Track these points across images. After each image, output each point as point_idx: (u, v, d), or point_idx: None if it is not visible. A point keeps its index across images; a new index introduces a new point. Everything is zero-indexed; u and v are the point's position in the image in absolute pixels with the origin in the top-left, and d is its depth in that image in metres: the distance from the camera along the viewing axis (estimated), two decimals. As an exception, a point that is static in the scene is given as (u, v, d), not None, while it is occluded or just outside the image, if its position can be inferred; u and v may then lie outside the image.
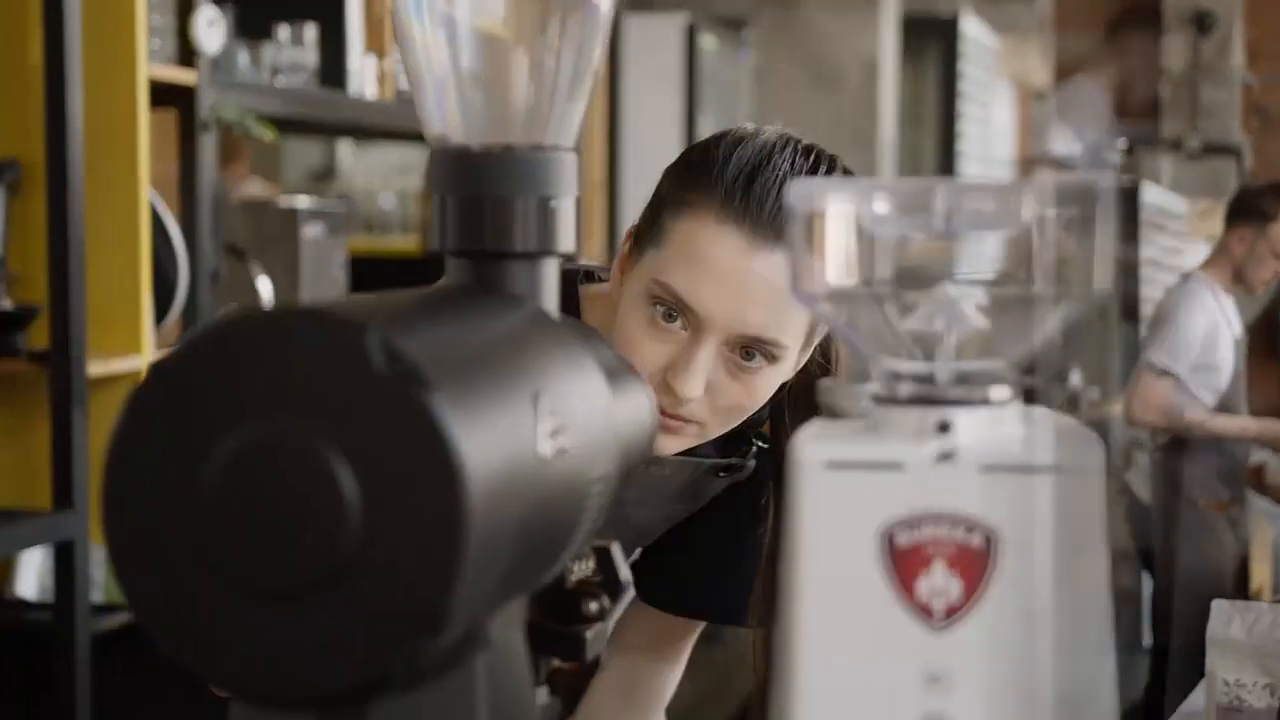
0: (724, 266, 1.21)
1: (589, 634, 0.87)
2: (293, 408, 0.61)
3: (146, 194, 2.52)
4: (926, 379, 0.73)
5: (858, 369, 1.12)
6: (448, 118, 0.84)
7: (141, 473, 0.63)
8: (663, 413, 1.25)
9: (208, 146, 2.69)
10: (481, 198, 0.82)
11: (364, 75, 3.24)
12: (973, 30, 7.54)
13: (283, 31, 3.06)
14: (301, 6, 3.05)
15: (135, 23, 2.49)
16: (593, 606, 0.88)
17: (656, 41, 5.44)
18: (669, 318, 1.24)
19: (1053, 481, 0.68)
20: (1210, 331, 4.31)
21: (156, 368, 0.63)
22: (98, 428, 2.41)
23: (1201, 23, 9.39)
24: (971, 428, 0.70)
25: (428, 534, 0.61)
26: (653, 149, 5.31)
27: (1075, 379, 6.37)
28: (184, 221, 2.69)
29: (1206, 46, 9.41)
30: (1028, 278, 0.72)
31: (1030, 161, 4.43)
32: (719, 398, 1.26)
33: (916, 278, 0.75)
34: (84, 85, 2.41)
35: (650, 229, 1.27)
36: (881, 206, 0.72)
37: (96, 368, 2.43)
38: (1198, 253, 8.71)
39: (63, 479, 2.34)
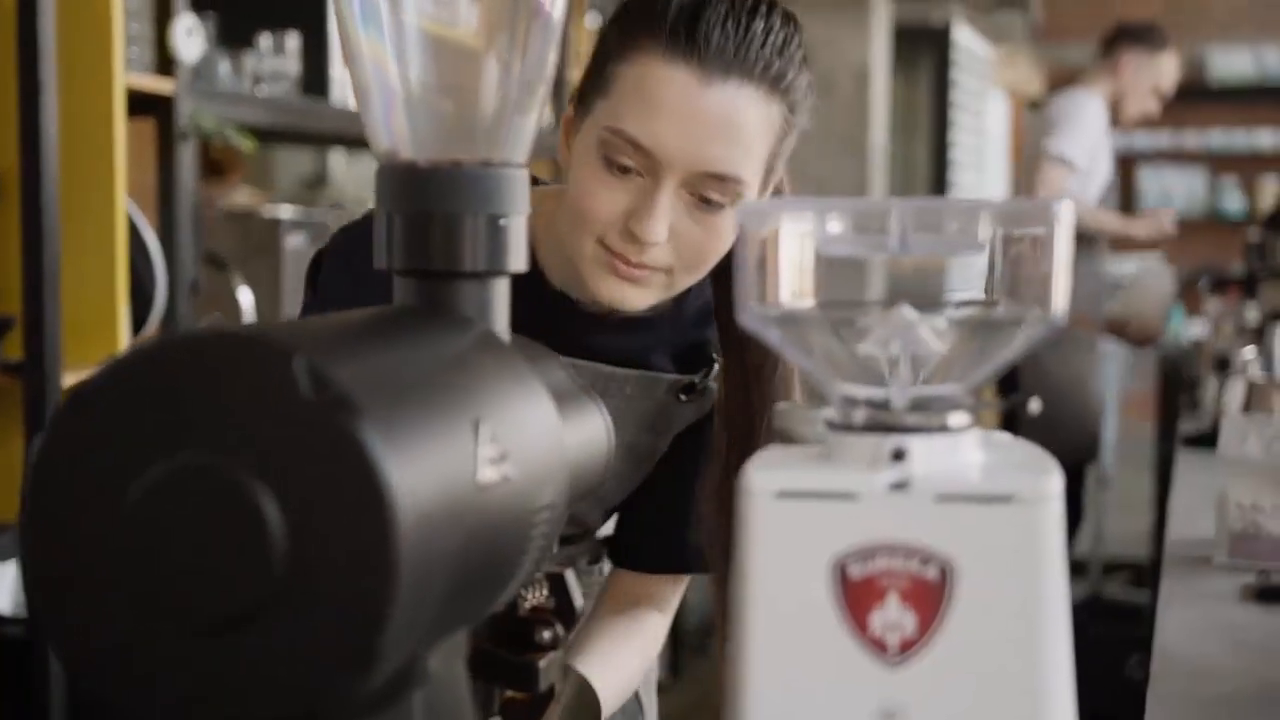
0: (677, 104, 1.20)
1: (542, 663, 0.85)
2: (217, 435, 0.59)
3: (123, 203, 2.49)
4: (882, 405, 0.70)
5: (815, 392, 1.11)
6: (395, 132, 0.82)
7: (62, 500, 0.61)
8: (627, 262, 1.24)
9: (186, 156, 2.66)
10: (429, 215, 0.79)
11: (346, 84, 3.22)
12: (965, 39, 7.53)
13: (264, 40, 3.03)
14: (284, 15, 3.03)
15: (112, 31, 2.46)
16: (546, 635, 0.86)
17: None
18: (624, 168, 1.22)
19: (1010, 511, 0.66)
20: (1097, 139, 4.40)
21: (78, 391, 0.61)
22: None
23: None
24: (927, 456, 0.68)
25: (357, 567, 0.58)
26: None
27: None
28: (162, 231, 2.66)
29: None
30: (987, 301, 0.70)
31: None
32: (683, 242, 1.24)
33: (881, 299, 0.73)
34: (60, 93, 2.38)
35: (595, 81, 1.25)
36: (835, 227, 0.70)
37: (72, 379, 2.40)
38: (998, 99, 8.77)
39: (36, 492, 2.31)
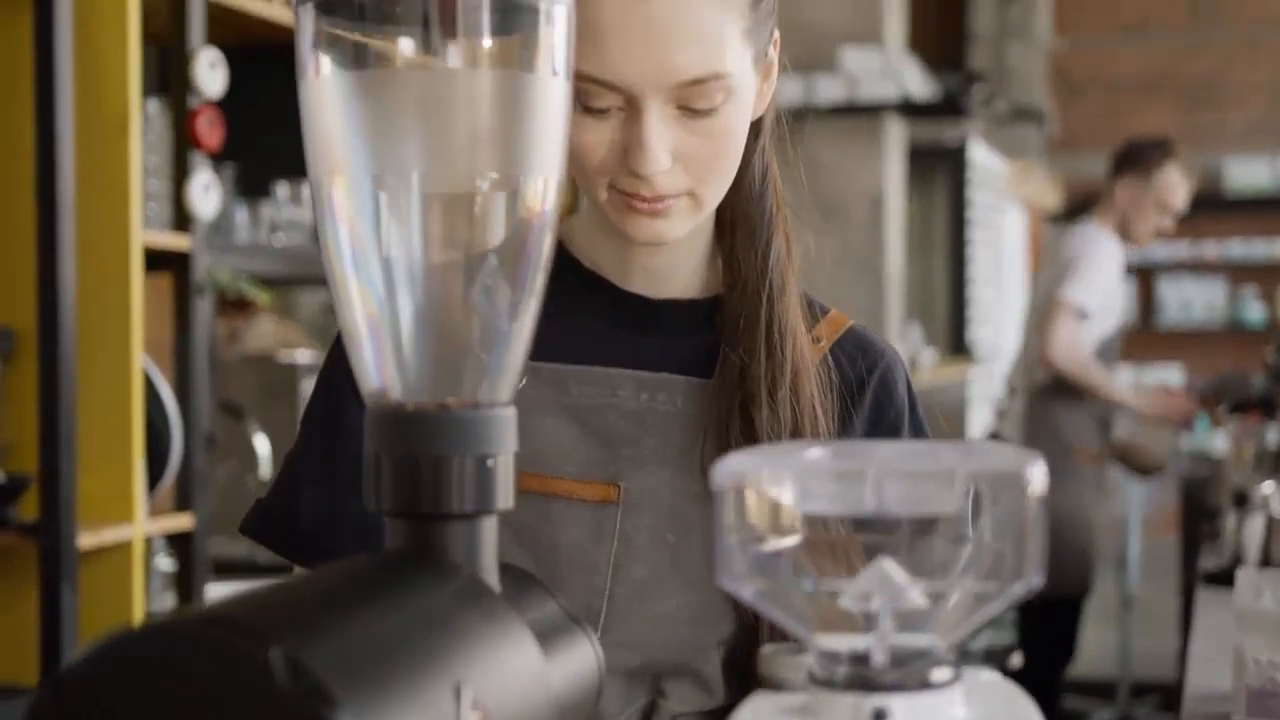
0: (620, 26, 1.10)
1: None
2: (195, 725, 0.59)
3: (139, 361, 2.51)
4: (863, 658, 0.70)
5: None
6: (384, 374, 0.83)
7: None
8: (644, 200, 1.15)
9: (202, 310, 2.69)
10: (417, 458, 0.80)
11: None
12: (980, 156, 7.58)
13: (281, 189, 3.08)
14: (300, 164, 3.06)
15: (130, 189, 2.50)
16: None
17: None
18: (601, 109, 1.13)
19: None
20: (1112, 281, 4.41)
21: (58, 678, 0.61)
22: (87, 601, 2.39)
23: None
24: (909, 714, 0.68)
25: None
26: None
27: (914, 336, 6.34)
28: (178, 385, 2.68)
29: (1012, 10, 9.48)
30: (964, 563, 0.71)
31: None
32: (690, 158, 1.15)
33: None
34: (78, 253, 2.41)
35: None
36: (812, 486, 0.70)
37: (87, 539, 2.41)
38: (1015, 212, 8.78)
39: (51, 655, 2.32)
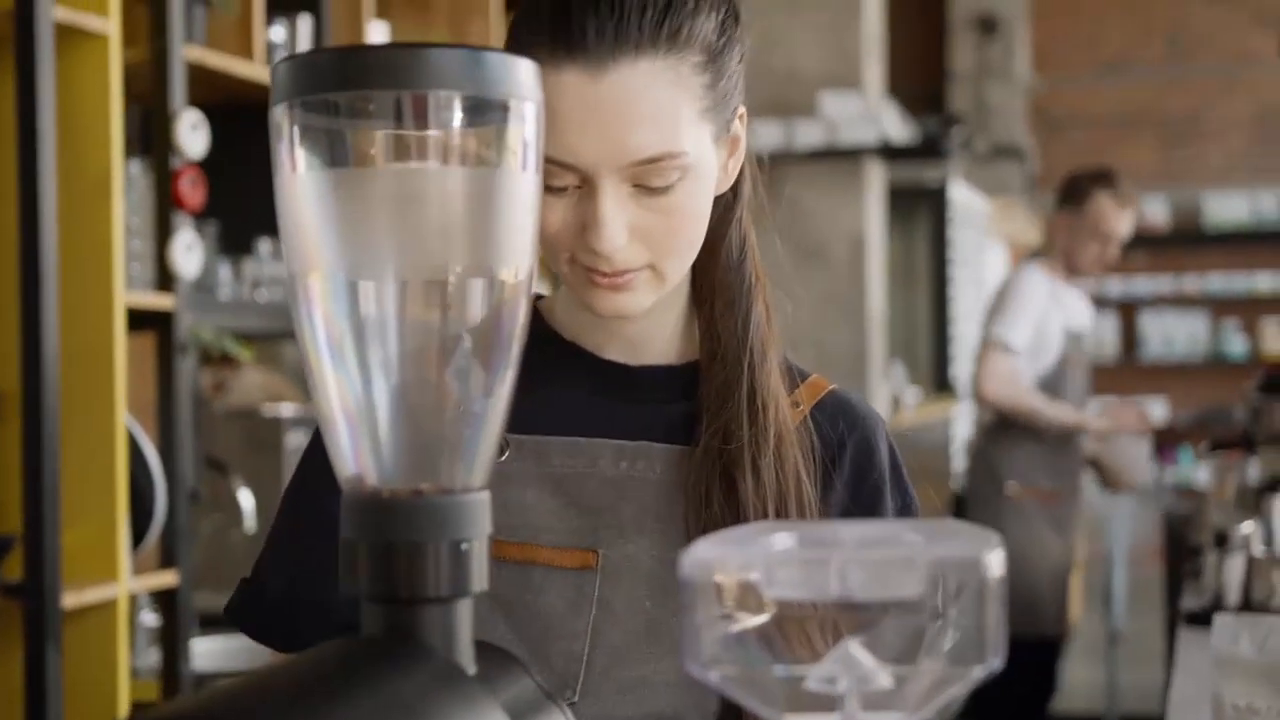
0: (575, 108, 1.12)
1: None
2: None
3: (123, 420, 2.53)
4: (831, 742, 0.72)
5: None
6: (360, 461, 0.84)
7: None
8: (603, 274, 1.17)
9: (185, 368, 2.70)
10: (393, 545, 0.82)
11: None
12: (961, 196, 7.63)
13: (263, 245, 3.10)
14: (282, 220, 3.09)
15: (113, 251, 2.51)
16: None
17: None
18: (557, 188, 1.15)
19: None
20: (1044, 314, 4.41)
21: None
22: (73, 660, 2.39)
23: (986, 25, 9.54)
24: (875, 798, 0.70)
25: None
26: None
27: (898, 375, 6.36)
28: (162, 443, 2.69)
29: (992, 49, 9.56)
30: (927, 645, 0.72)
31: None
32: (648, 234, 1.16)
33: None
34: (61, 314, 2.43)
35: None
36: (778, 573, 0.72)
37: (72, 598, 2.42)
38: (998, 251, 8.82)
39: (36, 715, 2.32)
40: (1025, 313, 4.35)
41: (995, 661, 0.71)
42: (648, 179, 1.14)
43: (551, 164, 1.14)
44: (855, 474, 1.30)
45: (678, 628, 1.20)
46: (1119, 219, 4.50)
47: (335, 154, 0.81)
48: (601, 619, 1.22)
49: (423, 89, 0.80)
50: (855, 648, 0.73)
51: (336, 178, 0.82)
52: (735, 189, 1.28)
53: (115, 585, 2.52)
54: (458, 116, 0.81)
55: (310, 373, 0.85)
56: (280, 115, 0.81)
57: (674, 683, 1.22)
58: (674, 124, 1.14)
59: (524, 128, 0.82)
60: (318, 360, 0.84)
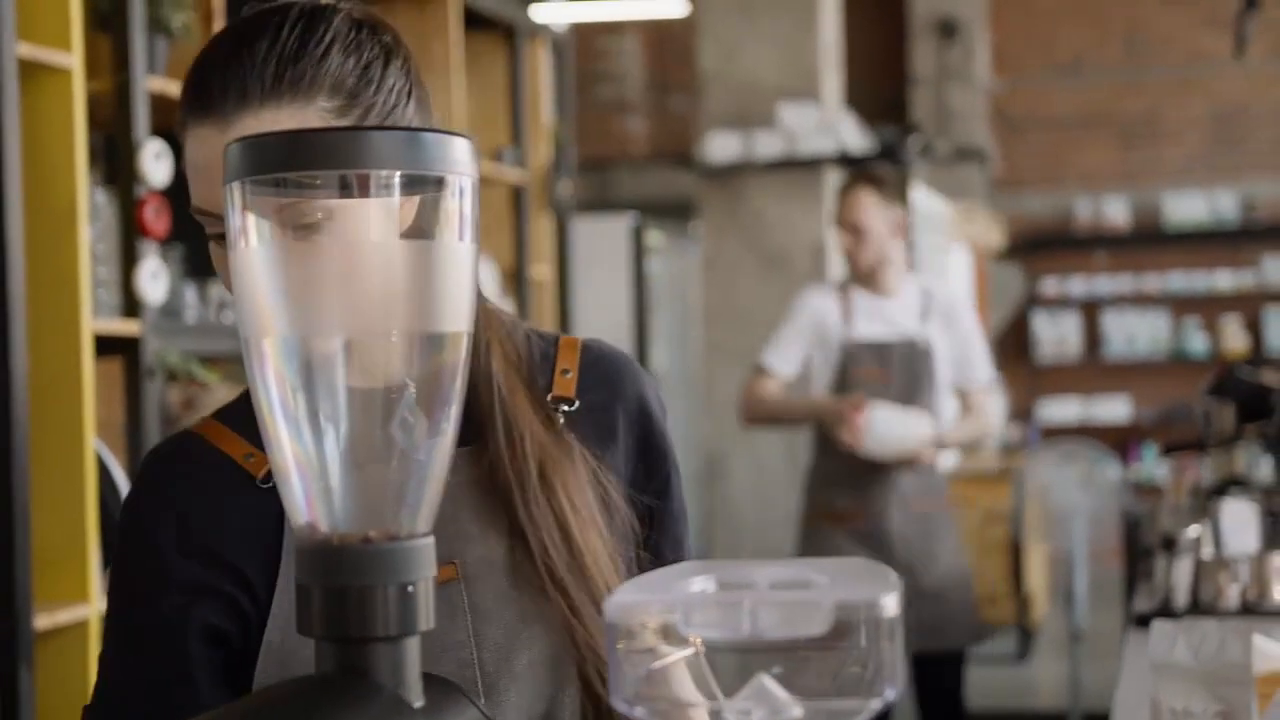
0: (209, 159, 1.18)
1: None
2: None
3: (92, 445, 2.58)
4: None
5: None
6: (312, 509, 0.91)
7: None
8: None
9: (152, 393, 2.76)
10: (344, 588, 0.88)
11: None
12: (922, 201, 7.71)
13: (228, 268, 3.15)
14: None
15: (79, 278, 2.57)
16: None
17: (605, 240, 5.57)
18: (219, 236, 1.19)
19: None
20: (817, 331, 4.15)
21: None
22: (45, 681, 2.44)
23: (946, 29, 9.63)
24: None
25: None
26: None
27: None
28: (131, 466, 2.75)
29: (952, 52, 9.66)
30: (831, 681, 0.79)
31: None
32: None
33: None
34: (29, 341, 2.48)
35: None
36: (694, 615, 0.79)
37: (43, 620, 2.47)
38: (960, 253, 8.89)
39: (9, 736, 2.37)
40: (788, 331, 4.15)
41: (892, 692, 0.78)
42: (296, 220, 1.09)
43: (204, 214, 1.20)
44: (638, 422, 1.36)
45: (544, 603, 1.26)
46: (840, 207, 4.15)
47: (283, 229, 0.88)
48: (478, 622, 1.27)
49: (365, 168, 0.86)
50: (768, 681, 0.79)
51: (285, 250, 0.89)
52: None
53: (86, 606, 2.57)
54: (397, 192, 0.87)
55: (264, 428, 0.91)
56: (233, 192, 0.87)
57: (552, 657, 1.27)
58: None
59: (460, 201, 0.89)
60: (271, 417, 0.90)
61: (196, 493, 1.27)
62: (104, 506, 2.64)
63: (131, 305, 2.75)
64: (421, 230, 0.89)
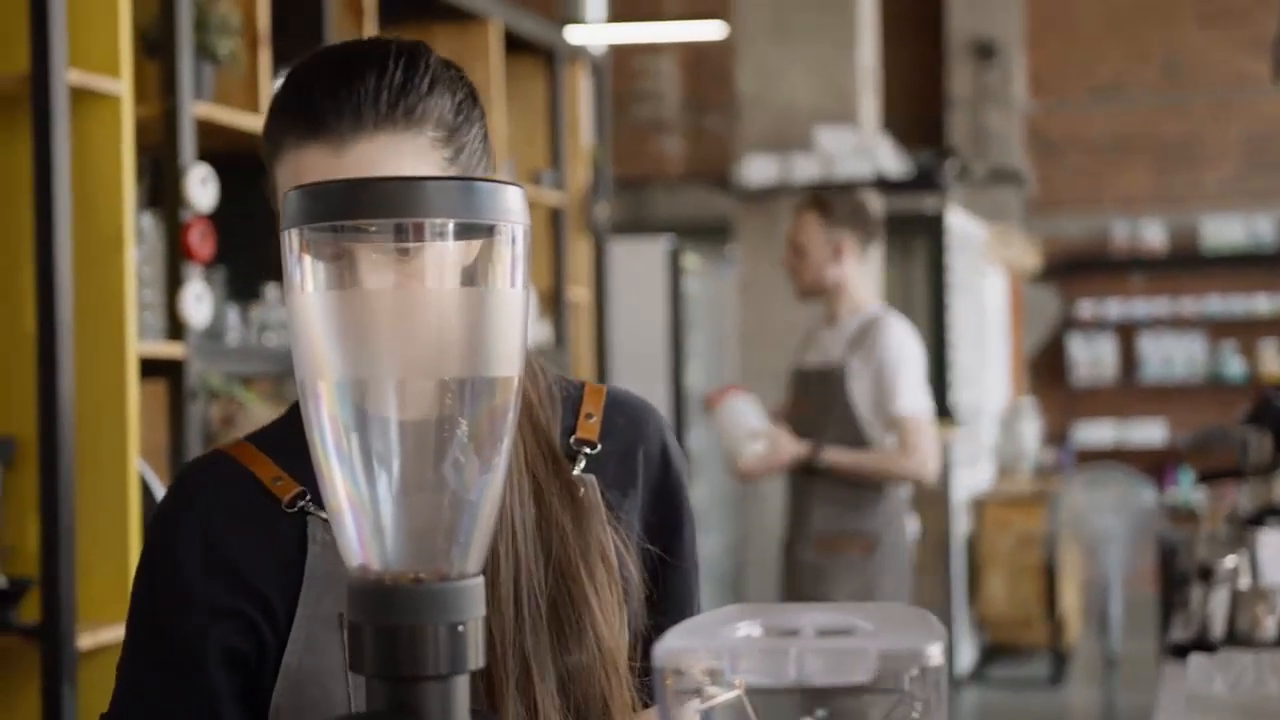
0: (320, 178, 1.19)
1: None
2: None
3: (136, 466, 2.61)
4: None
5: None
6: (366, 550, 0.92)
7: None
8: None
9: (195, 415, 2.79)
10: (395, 626, 0.90)
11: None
12: (958, 222, 7.71)
13: (271, 291, 3.18)
14: (289, 266, 3.17)
15: (125, 301, 2.60)
16: None
17: (642, 263, 5.59)
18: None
19: None
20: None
21: None
22: (88, 700, 2.47)
23: (983, 51, 9.60)
24: None
25: None
26: (642, 367, 5.44)
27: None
28: (173, 486, 2.77)
29: (989, 74, 9.63)
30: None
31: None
32: None
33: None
34: (76, 364, 2.51)
35: (272, 198, 1.26)
36: (741, 662, 0.80)
37: (87, 640, 2.50)
38: (995, 275, 8.86)
39: (53, 754, 2.40)
40: None
41: (937, 737, 0.79)
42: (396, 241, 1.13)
43: None
44: (659, 471, 1.37)
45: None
46: (804, 230, 4.09)
47: (340, 275, 0.90)
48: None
49: (420, 216, 0.88)
50: (812, 724, 0.81)
51: (341, 296, 0.91)
52: None
53: (128, 626, 2.60)
54: (451, 239, 0.89)
55: (318, 469, 0.93)
56: (290, 239, 0.89)
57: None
58: None
59: (513, 248, 0.91)
60: (325, 458, 0.92)
61: (222, 512, 1.28)
62: (147, 528, 2.67)
63: (176, 328, 2.79)
64: (474, 276, 0.91)
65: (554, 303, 4.44)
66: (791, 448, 3.98)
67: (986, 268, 8.68)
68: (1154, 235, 10.19)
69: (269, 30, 3.14)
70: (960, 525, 7.42)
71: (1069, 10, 10.26)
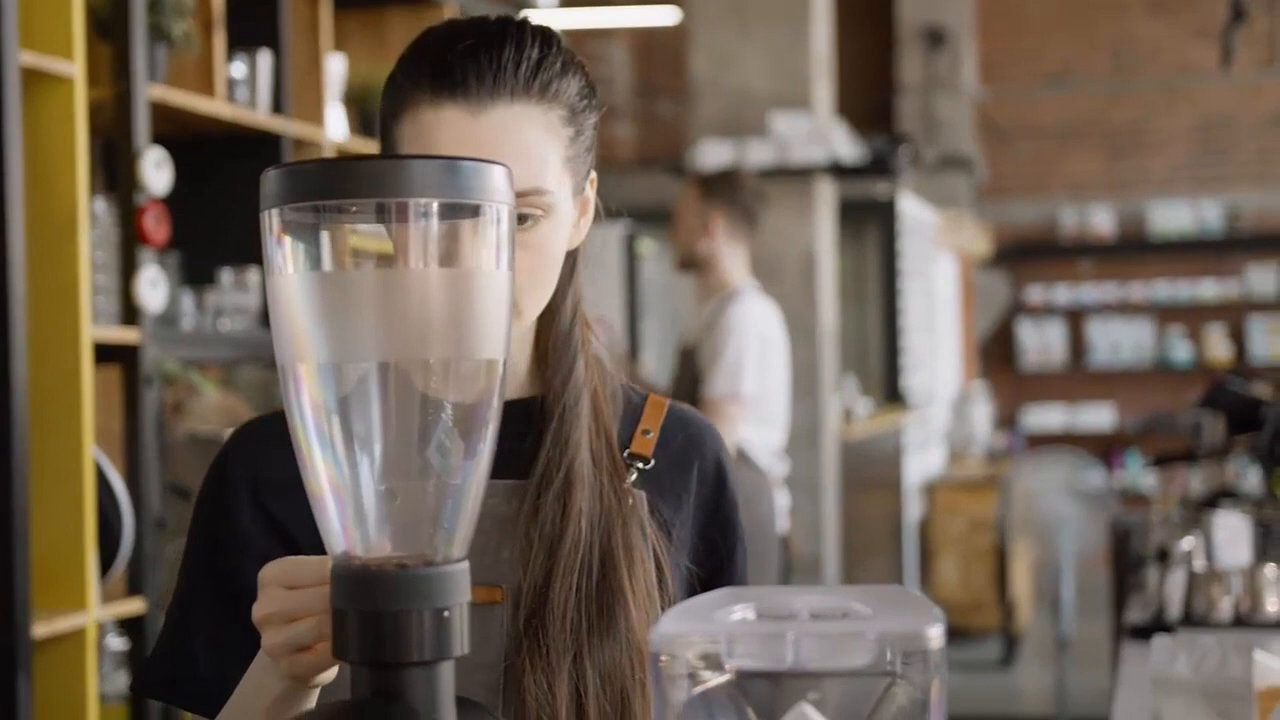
0: (452, 139, 1.21)
1: None
2: None
3: (91, 452, 2.57)
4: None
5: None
6: (348, 536, 0.91)
7: None
8: None
9: (150, 400, 2.75)
10: (380, 614, 0.88)
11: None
12: (910, 208, 7.73)
13: (226, 276, 3.15)
14: (245, 252, 3.14)
15: (79, 286, 2.56)
16: None
17: (596, 248, 5.55)
18: None
19: None
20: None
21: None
22: (43, 688, 2.44)
23: (934, 38, 9.64)
24: None
25: None
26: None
27: (850, 388, 6.44)
28: (128, 472, 2.74)
29: (939, 61, 9.68)
30: (872, 709, 0.80)
31: None
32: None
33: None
34: (29, 349, 2.47)
35: (386, 151, 1.27)
36: (737, 646, 0.79)
37: (42, 628, 2.47)
38: (946, 261, 8.91)
39: (8, 745, 2.37)
40: None
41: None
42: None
43: None
44: (713, 488, 1.38)
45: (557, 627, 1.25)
46: (682, 202, 4.17)
47: (321, 255, 0.88)
48: (511, 648, 1.26)
49: (403, 196, 0.87)
50: (809, 709, 0.80)
51: (322, 277, 0.89)
52: (574, 258, 1.34)
53: (84, 614, 2.57)
54: (435, 220, 0.88)
55: (300, 454, 0.91)
56: (270, 220, 0.88)
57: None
58: (542, 163, 1.24)
59: (497, 229, 0.89)
60: (307, 443, 0.91)
61: (273, 469, 1.27)
62: (102, 515, 2.64)
63: (130, 313, 2.75)
64: (457, 258, 0.89)
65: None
66: None
67: (937, 253, 8.71)
68: (1102, 221, 10.26)
69: (224, 12, 3.10)
70: (912, 509, 7.46)
71: (1019, -3, 10.31)
